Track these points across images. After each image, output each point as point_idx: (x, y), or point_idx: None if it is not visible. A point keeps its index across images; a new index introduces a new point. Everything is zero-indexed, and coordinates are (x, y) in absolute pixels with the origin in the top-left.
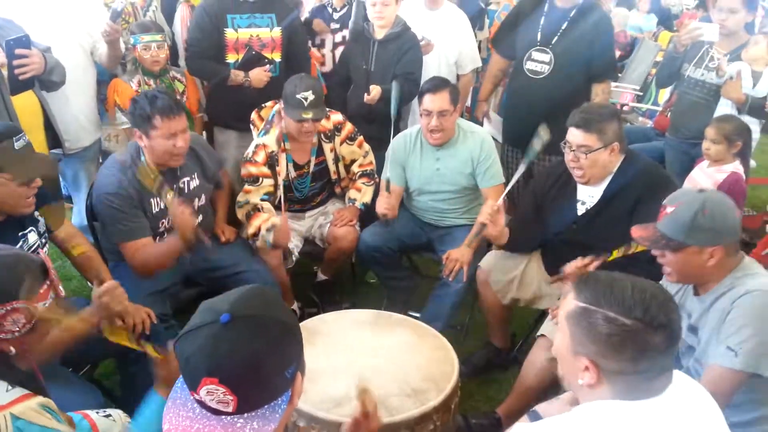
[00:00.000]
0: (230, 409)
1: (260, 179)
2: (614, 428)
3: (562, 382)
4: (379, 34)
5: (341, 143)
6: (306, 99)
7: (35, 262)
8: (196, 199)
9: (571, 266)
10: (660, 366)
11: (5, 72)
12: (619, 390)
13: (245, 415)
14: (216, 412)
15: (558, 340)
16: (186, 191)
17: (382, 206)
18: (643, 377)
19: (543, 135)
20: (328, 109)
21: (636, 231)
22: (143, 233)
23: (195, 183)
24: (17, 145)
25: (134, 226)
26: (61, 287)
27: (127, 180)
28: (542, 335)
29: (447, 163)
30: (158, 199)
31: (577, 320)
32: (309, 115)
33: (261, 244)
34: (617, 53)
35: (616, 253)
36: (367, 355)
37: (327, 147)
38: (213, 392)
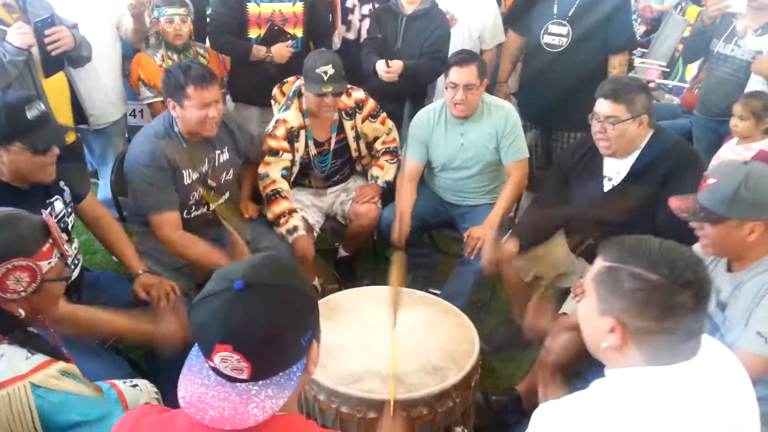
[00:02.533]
0: (245, 376)
1: (280, 152)
2: (642, 397)
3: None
4: (408, 9)
5: (363, 121)
6: (326, 73)
7: (35, 221)
8: (225, 173)
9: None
10: (688, 327)
11: (35, 52)
12: (646, 352)
13: (260, 382)
14: (230, 379)
15: (583, 304)
16: (216, 164)
17: (395, 237)
18: (670, 338)
19: None
20: (349, 86)
21: (674, 201)
22: (172, 206)
23: (225, 157)
24: (30, 114)
25: (164, 199)
26: (66, 246)
27: (160, 151)
28: (564, 313)
29: (471, 137)
30: (190, 171)
31: (603, 279)
32: (329, 89)
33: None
34: (643, 28)
35: None
36: (388, 332)
37: (348, 124)
38: (227, 359)
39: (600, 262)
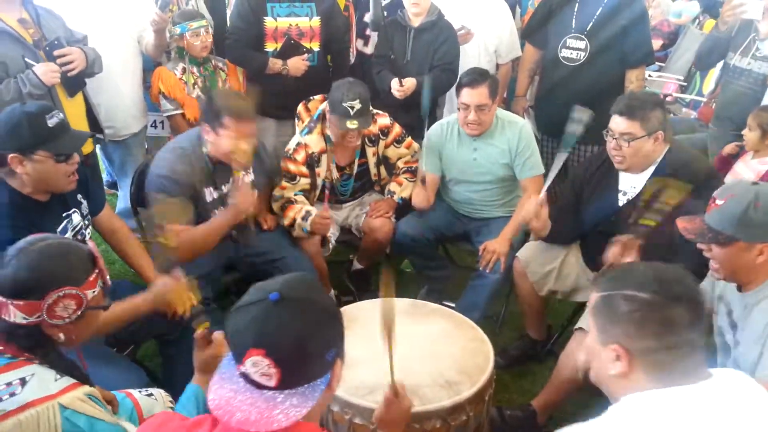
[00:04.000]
0: (272, 383)
1: (297, 177)
2: (659, 419)
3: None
4: (416, 21)
5: (387, 146)
6: (352, 108)
7: (84, 251)
8: None
9: (612, 254)
10: (688, 342)
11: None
12: (652, 373)
13: (285, 391)
14: (258, 386)
15: (587, 340)
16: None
17: (418, 199)
18: (673, 354)
19: (582, 116)
20: (376, 111)
21: (681, 222)
22: (180, 222)
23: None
24: (50, 122)
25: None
26: (107, 277)
27: (183, 168)
28: (580, 328)
29: (484, 153)
30: (212, 188)
31: (600, 309)
32: (354, 126)
33: (298, 232)
34: (660, 42)
35: (651, 222)
36: (402, 344)
37: (370, 151)
38: (258, 363)
39: (595, 295)
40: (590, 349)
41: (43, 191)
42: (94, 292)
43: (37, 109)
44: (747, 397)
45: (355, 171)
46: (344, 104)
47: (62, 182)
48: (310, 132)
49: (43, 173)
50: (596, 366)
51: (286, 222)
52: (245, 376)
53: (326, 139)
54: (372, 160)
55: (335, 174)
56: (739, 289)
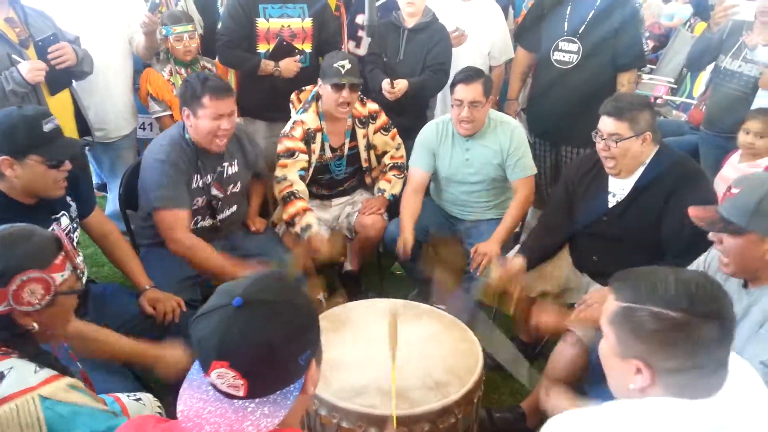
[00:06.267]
0: (241, 393)
1: (297, 153)
2: (670, 425)
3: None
4: (410, 22)
5: (375, 132)
6: (343, 67)
7: (48, 234)
8: (232, 185)
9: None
10: (717, 359)
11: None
12: (673, 389)
13: (256, 399)
14: (228, 396)
15: (603, 346)
16: (224, 176)
17: (400, 247)
18: (700, 372)
19: None
20: (365, 97)
21: (693, 211)
22: (183, 204)
23: (234, 169)
24: (46, 127)
25: (176, 194)
26: (78, 260)
27: (177, 154)
28: (568, 330)
29: (476, 153)
30: (199, 176)
31: (621, 321)
32: (346, 80)
33: (294, 237)
34: (651, 44)
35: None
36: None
37: (360, 132)
38: (223, 375)
39: (614, 303)
40: (607, 360)
41: (31, 195)
42: (62, 275)
43: (34, 113)
44: (758, 402)
45: (345, 152)
46: (335, 65)
47: (51, 188)
48: (305, 111)
49: (34, 178)
50: (613, 376)
51: (285, 217)
52: (213, 386)
53: (320, 117)
54: (362, 143)
55: (329, 154)
56: (745, 285)
